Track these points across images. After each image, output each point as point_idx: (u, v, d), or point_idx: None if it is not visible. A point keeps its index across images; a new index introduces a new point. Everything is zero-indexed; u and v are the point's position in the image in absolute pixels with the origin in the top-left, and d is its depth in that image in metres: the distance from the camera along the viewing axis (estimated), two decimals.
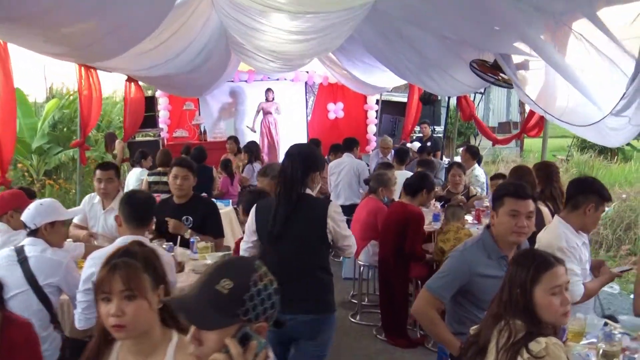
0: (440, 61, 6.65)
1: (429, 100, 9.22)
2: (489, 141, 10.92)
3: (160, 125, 13.58)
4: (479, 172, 7.66)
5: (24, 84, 11.50)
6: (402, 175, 6.78)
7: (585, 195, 3.34)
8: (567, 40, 3.86)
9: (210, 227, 4.57)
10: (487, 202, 5.83)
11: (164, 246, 4.07)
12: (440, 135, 12.33)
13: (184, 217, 4.54)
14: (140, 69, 7.06)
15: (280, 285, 1.63)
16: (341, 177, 7.40)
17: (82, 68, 7.91)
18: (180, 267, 3.89)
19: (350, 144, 8.04)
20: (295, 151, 3.31)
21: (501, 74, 5.89)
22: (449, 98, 9.63)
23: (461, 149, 7.88)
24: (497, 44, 5.38)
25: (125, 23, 4.53)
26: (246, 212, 3.52)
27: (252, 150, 9.14)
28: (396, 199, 5.44)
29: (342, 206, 6.92)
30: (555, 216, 3.61)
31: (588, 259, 3.50)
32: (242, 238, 3.58)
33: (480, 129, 8.69)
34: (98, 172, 4.78)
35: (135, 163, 8.52)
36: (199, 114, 13.99)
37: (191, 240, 4.28)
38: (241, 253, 3.37)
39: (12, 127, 5.65)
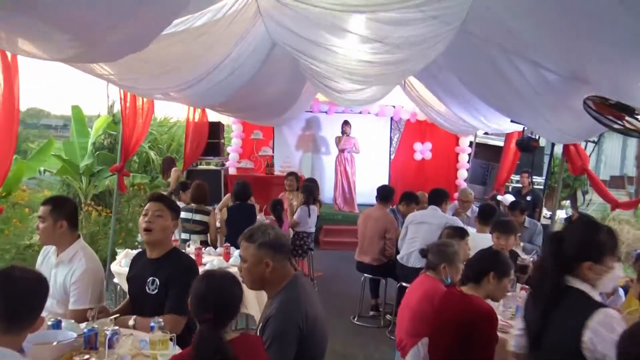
0: (544, 97, 5.11)
1: (527, 147, 7.52)
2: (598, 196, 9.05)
3: (231, 154, 12.70)
4: None
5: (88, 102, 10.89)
6: (483, 240, 5.22)
7: None
8: None
9: (171, 296, 3.23)
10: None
11: (106, 331, 2.79)
12: (541, 187, 10.50)
13: (150, 279, 3.29)
14: (174, 87, 5.99)
15: None
16: (422, 234, 5.85)
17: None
18: None
19: (440, 197, 6.20)
20: None
21: (628, 118, 4.30)
22: (552, 145, 7.92)
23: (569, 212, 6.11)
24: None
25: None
26: None
27: (310, 190, 7.83)
28: None
29: (411, 269, 5.54)
30: None
31: None
32: None
33: (596, 188, 6.92)
34: (148, 204, 3.49)
35: (174, 195, 7.45)
36: (272, 144, 12.97)
37: (151, 324, 2.96)
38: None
39: (8, 144, 4.83)
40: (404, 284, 5.91)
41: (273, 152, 12.88)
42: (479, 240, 5.12)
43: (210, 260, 5.37)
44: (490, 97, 6.23)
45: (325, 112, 12.87)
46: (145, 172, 11.12)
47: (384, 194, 6.74)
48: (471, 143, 12.86)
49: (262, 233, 2.74)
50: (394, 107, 12.83)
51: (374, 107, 12.67)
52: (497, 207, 6.23)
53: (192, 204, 6.66)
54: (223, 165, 10.74)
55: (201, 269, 5.05)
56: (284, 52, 5.87)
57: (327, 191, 12.42)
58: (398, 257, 6.05)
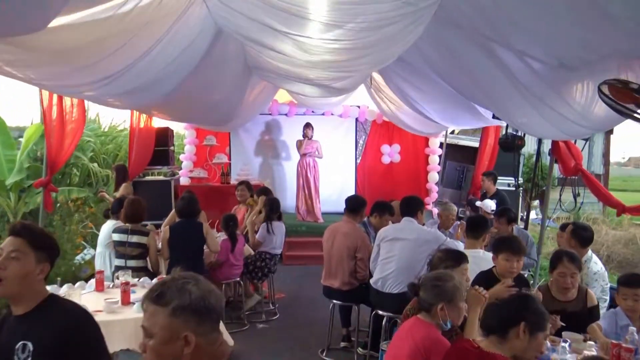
0: (541, 87, 4.28)
1: (511, 146, 6.66)
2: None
3: (184, 163, 11.62)
4: (597, 266, 4.75)
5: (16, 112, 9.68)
6: (477, 259, 4.35)
7: None
8: None
9: None
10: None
11: None
12: (508, 188, 9.67)
13: (20, 344, 2.26)
14: (98, 81, 4.93)
15: None
16: (397, 252, 4.96)
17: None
18: None
19: (414, 206, 5.18)
20: None
21: None
22: (539, 142, 7.07)
23: (563, 230, 5.16)
24: None
25: None
26: None
27: (273, 204, 6.84)
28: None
29: (388, 296, 4.60)
30: None
31: None
32: None
33: (595, 190, 6.08)
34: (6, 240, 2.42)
35: (111, 213, 6.40)
36: (229, 151, 11.93)
37: None
38: None
39: None
40: (380, 312, 5.00)
41: (230, 159, 11.86)
42: (471, 259, 4.24)
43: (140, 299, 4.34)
44: (472, 90, 5.39)
45: (286, 115, 11.92)
46: (88, 185, 9.95)
47: (354, 205, 5.73)
48: (441, 144, 12.08)
49: (179, 291, 1.75)
50: (358, 107, 11.96)
51: (337, 108, 11.77)
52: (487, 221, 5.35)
53: (128, 224, 5.64)
54: (174, 175, 9.68)
55: (128, 311, 4.12)
56: (232, 43, 4.94)
57: (290, 200, 11.48)
58: (371, 281, 5.09)
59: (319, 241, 9.93)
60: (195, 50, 4.60)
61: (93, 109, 11.96)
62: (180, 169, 10.97)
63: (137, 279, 4.90)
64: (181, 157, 12.04)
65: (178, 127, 11.50)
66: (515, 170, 8.18)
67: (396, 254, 4.90)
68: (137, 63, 4.13)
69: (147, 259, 5.69)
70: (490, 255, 4.26)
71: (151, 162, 9.33)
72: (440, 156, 12.03)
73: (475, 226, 4.71)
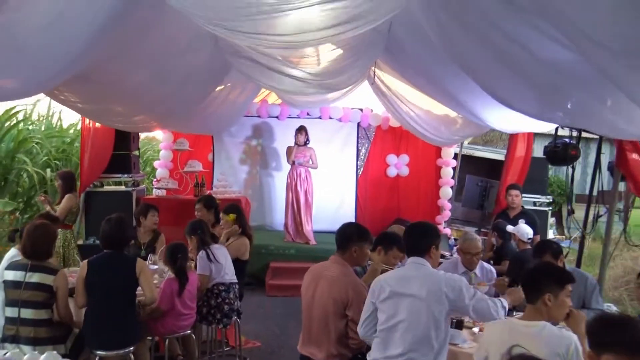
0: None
1: (563, 157, 4.95)
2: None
3: (159, 171, 9.97)
4: None
5: None
6: (536, 340, 2.69)
7: None
8: None
9: None
10: None
11: None
12: (539, 207, 7.92)
13: None
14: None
15: None
16: (405, 316, 3.21)
17: None
18: None
19: (427, 239, 3.38)
20: None
21: None
22: (598, 152, 5.32)
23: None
24: None
25: None
26: None
27: (197, 227, 5.13)
28: None
29: None
30: None
31: None
32: None
33: None
34: None
35: (19, 237, 4.71)
36: (212, 157, 10.28)
37: None
38: None
39: None
40: None
41: (213, 167, 10.23)
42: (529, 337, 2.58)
43: None
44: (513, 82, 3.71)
45: (277, 117, 10.27)
46: (16, 197, 8.25)
47: (343, 237, 3.86)
48: (456, 155, 10.40)
49: None
50: (361, 110, 10.31)
51: (336, 110, 10.13)
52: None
53: (25, 259, 3.99)
54: (136, 185, 8.02)
55: None
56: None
57: (279, 217, 9.83)
58: (369, 357, 3.38)
59: (309, 267, 8.42)
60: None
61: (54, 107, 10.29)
62: (144, 177, 9.30)
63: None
64: (155, 163, 10.44)
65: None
66: (568, 187, 6.45)
67: (403, 319, 3.19)
68: None
69: (53, 307, 4.04)
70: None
71: (108, 169, 7.68)
72: (454, 169, 10.35)
73: (535, 281, 2.99)
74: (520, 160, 7.75)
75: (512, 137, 7.87)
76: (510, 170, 7.87)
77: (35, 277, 3.95)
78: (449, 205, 10.37)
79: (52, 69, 3.29)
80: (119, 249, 4.18)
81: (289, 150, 9.07)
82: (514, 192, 6.95)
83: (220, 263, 4.94)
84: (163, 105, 5.79)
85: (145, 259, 5.43)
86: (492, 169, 11.06)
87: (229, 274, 5.02)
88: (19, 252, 4.30)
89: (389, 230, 5.31)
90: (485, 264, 4.81)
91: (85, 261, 4.19)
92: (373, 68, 6.72)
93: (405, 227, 3.97)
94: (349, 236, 3.85)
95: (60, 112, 10.53)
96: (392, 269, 3.92)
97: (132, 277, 4.10)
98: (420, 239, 3.37)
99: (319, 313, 3.72)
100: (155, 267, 5.10)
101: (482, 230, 10.93)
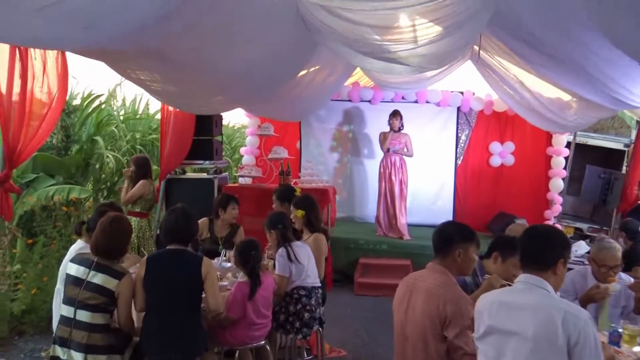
0: None
1: None
2: None
3: (245, 158, 9.56)
4: None
5: None
6: None
7: None
8: None
9: None
10: None
11: None
12: None
13: None
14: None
15: None
16: (511, 356, 2.39)
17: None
18: None
19: (557, 254, 2.49)
20: None
21: None
22: None
23: None
24: None
25: None
26: None
27: (278, 220, 4.48)
28: None
29: None
30: None
31: None
32: None
33: None
34: None
35: (86, 230, 4.28)
36: (300, 145, 9.75)
37: None
38: None
39: None
40: None
41: (300, 154, 9.68)
42: None
43: None
44: None
45: (369, 102, 9.56)
46: (99, 182, 7.97)
47: (444, 238, 3.11)
48: (568, 144, 9.24)
49: None
50: (461, 93, 9.39)
51: (434, 94, 9.26)
52: None
53: (94, 256, 3.53)
54: (219, 172, 7.56)
55: None
56: None
57: (371, 208, 9.14)
58: None
59: (404, 265, 7.69)
60: None
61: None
62: (227, 164, 8.84)
63: None
64: (242, 150, 10.02)
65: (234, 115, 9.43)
66: None
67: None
68: None
69: (114, 313, 3.57)
70: None
71: (190, 156, 7.27)
72: (566, 158, 9.20)
73: None
74: None
75: None
76: (638, 161, 6.76)
77: (97, 278, 3.47)
78: (559, 199, 9.26)
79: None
80: (184, 244, 3.64)
81: (383, 136, 8.34)
82: None
83: (302, 264, 4.31)
84: (242, 84, 5.20)
85: (220, 255, 4.93)
86: (610, 159, 9.80)
87: (312, 277, 4.38)
88: (87, 245, 3.85)
89: (509, 229, 4.45)
90: (624, 275, 3.88)
91: (145, 258, 3.68)
92: (477, 47, 5.87)
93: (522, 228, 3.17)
94: (449, 236, 3.08)
95: (142, 96, 10.24)
96: (509, 284, 3.14)
97: (197, 279, 3.54)
98: (544, 249, 2.52)
99: (413, 334, 2.99)
100: (229, 264, 4.55)
101: (593, 227, 9.81)
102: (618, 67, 3.86)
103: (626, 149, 9.70)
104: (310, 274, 4.37)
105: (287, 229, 4.44)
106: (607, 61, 3.80)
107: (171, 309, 3.50)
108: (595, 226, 9.65)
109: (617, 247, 3.76)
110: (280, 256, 4.29)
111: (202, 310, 3.68)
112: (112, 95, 8.60)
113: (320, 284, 4.50)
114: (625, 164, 9.44)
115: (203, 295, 3.62)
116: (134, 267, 4.08)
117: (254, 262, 3.93)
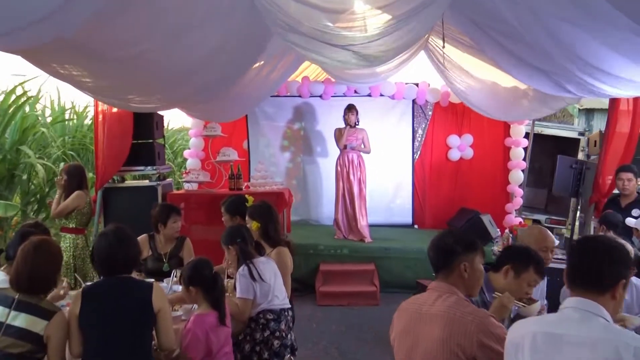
0: None
1: None
2: None
3: (189, 161, 8.84)
4: None
5: None
6: None
7: None
8: None
9: None
10: None
11: None
12: None
13: None
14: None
15: None
16: None
17: None
18: None
19: (618, 273, 1.98)
20: None
21: None
22: None
23: None
24: None
25: None
26: None
27: (238, 234, 3.81)
28: None
29: None
30: None
31: None
32: None
33: None
34: None
35: (5, 259, 3.55)
36: (247, 145, 9.11)
37: None
38: None
39: None
40: None
41: (249, 155, 9.05)
42: None
43: None
44: None
45: (320, 97, 9.02)
46: (28, 194, 7.10)
47: (444, 251, 2.56)
48: (527, 134, 8.95)
49: None
50: (416, 85, 8.96)
51: (388, 86, 8.79)
52: None
53: (14, 292, 2.84)
54: (162, 178, 6.85)
55: None
56: None
57: (327, 210, 8.63)
58: None
59: (368, 270, 7.19)
60: None
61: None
62: (171, 169, 8.12)
63: None
64: (185, 153, 9.27)
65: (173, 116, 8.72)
66: None
67: None
68: None
69: None
70: None
71: (128, 161, 6.53)
72: (525, 149, 8.91)
73: None
74: (624, 137, 6.36)
75: (612, 111, 6.46)
76: (609, 150, 6.47)
77: (20, 320, 2.77)
78: (520, 192, 8.97)
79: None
80: (126, 273, 2.98)
81: (339, 132, 7.81)
82: (627, 175, 5.72)
83: (268, 283, 3.69)
84: (187, 81, 4.53)
85: (169, 275, 4.27)
86: (566, 147, 9.60)
87: (280, 297, 3.77)
88: (7, 278, 3.12)
89: (521, 235, 3.96)
90: (635, 280, 3.46)
91: (79, 291, 3.00)
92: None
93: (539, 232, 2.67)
94: (450, 249, 2.54)
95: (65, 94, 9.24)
96: (524, 305, 2.65)
97: (147, 312, 2.88)
98: (603, 267, 1.98)
99: None
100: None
101: (552, 217, 9.58)
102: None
103: (580, 137, 9.55)
104: (278, 294, 3.77)
105: (248, 244, 3.81)
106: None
107: (115, 352, 2.84)
108: (553, 217, 9.44)
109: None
110: (242, 276, 3.66)
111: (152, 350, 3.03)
112: (37, 96, 7.66)
113: (290, 305, 3.90)
114: (580, 152, 9.30)
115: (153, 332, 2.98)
116: (67, 298, 3.39)
117: (219, 288, 3.28)
